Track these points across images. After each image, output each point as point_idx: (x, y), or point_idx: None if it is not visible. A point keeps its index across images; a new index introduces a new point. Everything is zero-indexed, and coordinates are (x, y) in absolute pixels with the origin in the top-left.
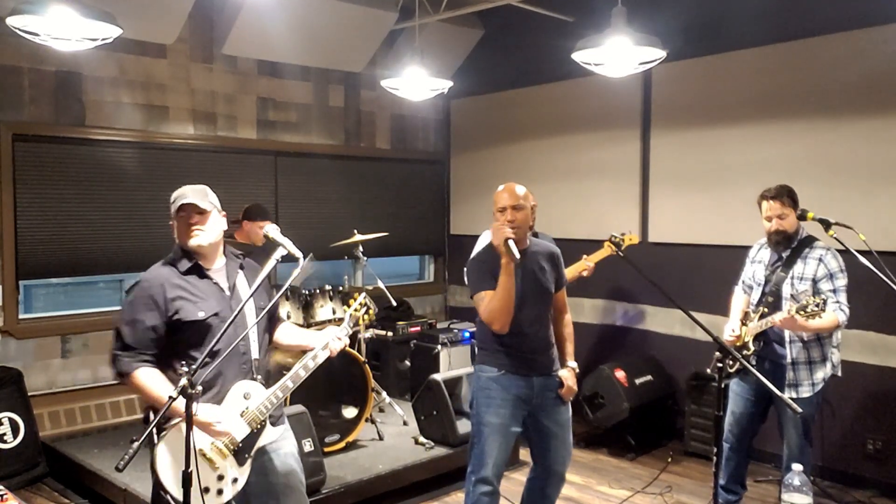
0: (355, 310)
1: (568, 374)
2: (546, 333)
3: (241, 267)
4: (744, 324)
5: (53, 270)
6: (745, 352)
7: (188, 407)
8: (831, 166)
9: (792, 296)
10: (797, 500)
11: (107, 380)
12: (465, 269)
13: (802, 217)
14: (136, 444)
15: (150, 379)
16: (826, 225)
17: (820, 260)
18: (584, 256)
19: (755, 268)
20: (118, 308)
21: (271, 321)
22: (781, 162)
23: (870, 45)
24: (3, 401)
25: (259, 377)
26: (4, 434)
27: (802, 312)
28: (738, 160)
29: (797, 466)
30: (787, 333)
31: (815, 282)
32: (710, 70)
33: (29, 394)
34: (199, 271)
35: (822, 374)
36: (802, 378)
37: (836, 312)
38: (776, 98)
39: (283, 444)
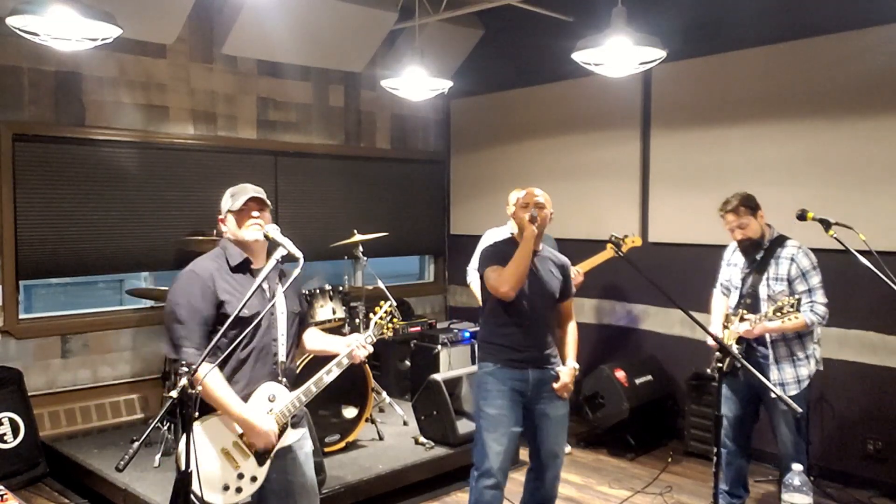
0: (381, 318)
1: (566, 371)
2: (544, 332)
3: (282, 274)
4: (725, 327)
5: (53, 270)
6: None
7: (188, 408)
8: (831, 166)
9: (769, 296)
10: (797, 500)
11: (107, 380)
12: (478, 257)
13: (802, 217)
14: (136, 444)
15: (217, 385)
16: (826, 225)
17: (792, 259)
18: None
19: (731, 271)
20: (118, 308)
21: (301, 326)
22: (781, 162)
23: (870, 45)
24: (4, 401)
25: (284, 380)
26: (4, 434)
27: (779, 314)
28: (738, 160)
29: (797, 466)
30: (767, 334)
31: (789, 282)
32: (710, 70)
33: (29, 394)
34: (247, 269)
35: (806, 370)
36: (788, 376)
37: (804, 315)
38: (776, 98)
39: (304, 445)
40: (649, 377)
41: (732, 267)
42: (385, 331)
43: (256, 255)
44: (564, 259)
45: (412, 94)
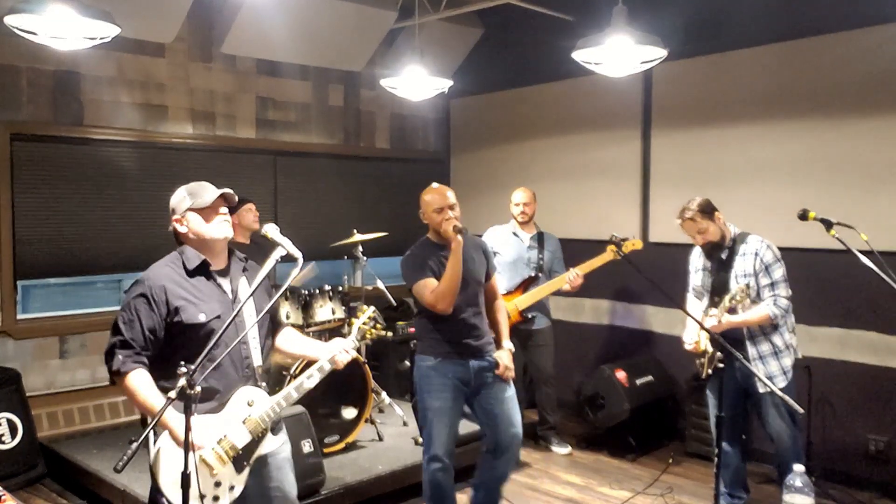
0: (364, 323)
1: (504, 355)
2: (478, 320)
3: (245, 270)
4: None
5: (52, 270)
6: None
7: (187, 408)
8: (831, 166)
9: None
10: (799, 500)
11: (105, 380)
12: (400, 265)
13: (804, 217)
14: (134, 445)
15: (143, 384)
16: (828, 225)
17: (756, 254)
18: (570, 270)
19: (700, 275)
20: (117, 308)
21: (273, 325)
22: (782, 162)
23: (870, 45)
24: (2, 401)
25: (263, 384)
26: (3, 435)
27: (734, 301)
28: (738, 160)
29: (798, 467)
30: (744, 331)
31: (755, 276)
32: (711, 69)
33: (27, 394)
34: (205, 272)
35: (789, 361)
36: (774, 370)
37: (767, 307)
38: (776, 98)
39: (283, 450)
40: (650, 377)
41: (701, 271)
42: (368, 336)
43: (217, 256)
44: (483, 242)
45: (412, 93)
